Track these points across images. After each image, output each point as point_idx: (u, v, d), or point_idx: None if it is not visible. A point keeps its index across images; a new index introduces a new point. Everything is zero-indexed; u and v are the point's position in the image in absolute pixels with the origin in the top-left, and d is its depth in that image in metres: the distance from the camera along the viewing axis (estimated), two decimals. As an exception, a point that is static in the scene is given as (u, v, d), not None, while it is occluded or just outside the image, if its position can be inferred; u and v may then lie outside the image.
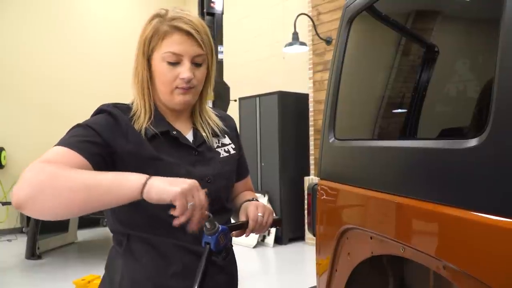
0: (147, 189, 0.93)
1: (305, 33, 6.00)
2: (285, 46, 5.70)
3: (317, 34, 5.84)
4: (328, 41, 5.81)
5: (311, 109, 6.14)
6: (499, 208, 0.91)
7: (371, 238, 1.41)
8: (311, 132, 6.13)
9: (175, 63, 1.12)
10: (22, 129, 7.04)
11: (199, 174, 1.17)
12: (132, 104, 1.20)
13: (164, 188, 0.93)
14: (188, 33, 1.12)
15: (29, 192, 0.89)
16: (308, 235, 5.79)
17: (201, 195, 0.97)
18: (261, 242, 5.88)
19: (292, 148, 6.14)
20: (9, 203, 6.09)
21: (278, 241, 5.87)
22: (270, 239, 5.82)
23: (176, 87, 1.14)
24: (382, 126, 1.54)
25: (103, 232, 6.75)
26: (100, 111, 1.15)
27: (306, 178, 5.86)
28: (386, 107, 1.54)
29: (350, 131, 1.71)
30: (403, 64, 1.55)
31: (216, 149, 1.27)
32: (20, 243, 5.88)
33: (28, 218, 5.82)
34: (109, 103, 1.18)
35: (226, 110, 4.63)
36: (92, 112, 1.17)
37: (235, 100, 6.20)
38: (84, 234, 6.51)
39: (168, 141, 1.17)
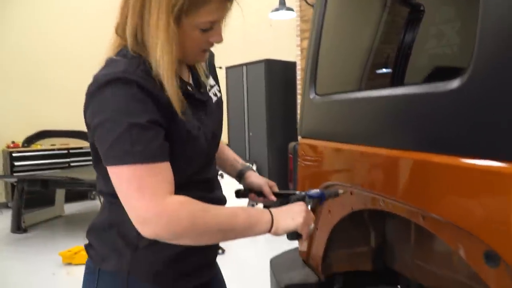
0: (274, 230, 1.02)
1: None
2: (272, 11, 5.55)
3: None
4: (315, 6, 5.66)
5: (298, 77, 6.05)
6: (484, 151, 0.86)
7: (351, 193, 1.35)
8: (299, 101, 6.05)
9: (208, 29, 1.01)
10: (5, 103, 6.82)
11: (210, 133, 1.10)
12: (145, 64, 0.96)
13: (289, 225, 1.04)
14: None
15: (168, 236, 0.91)
16: (296, 203, 5.78)
17: (312, 215, 1.10)
18: (250, 212, 5.86)
19: (280, 116, 6.07)
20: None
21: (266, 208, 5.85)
22: (259, 206, 5.80)
23: (203, 49, 1.05)
24: (363, 77, 1.47)
25: (91, 205, 6.70)
26: (126, 80, 0.91)
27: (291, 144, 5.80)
28: (367, 57, 1.46)
29: (331, 85, 1.64)
30: (384, 12, 1.46)
31: (209, 94, 1.17)
32: (5, 218, 5.78)
33: (13, 192, 5.72)
34: (127, 68, 0.93)
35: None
36: (86, 80, 0.96)
37: (220, 67, 6.08)
38: (71, 208, 6.44)
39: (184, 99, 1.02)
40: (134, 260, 1.03)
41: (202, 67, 1.17)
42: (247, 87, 6.21)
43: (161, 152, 0.91)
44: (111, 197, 0.98)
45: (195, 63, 1.12)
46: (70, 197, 6.47)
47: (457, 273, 1.28)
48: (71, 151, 7.05)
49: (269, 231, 1.01)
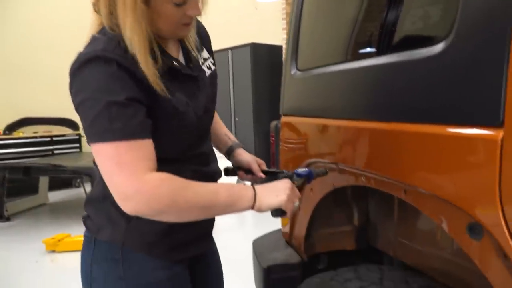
0: (257, 206, 1.00)
1: (277, -19, 5.76)
2: (256, -7, 5.46)
3: (289, -19, 5.60)
4: (300, -12, 5.58)
5: (285, 61, 5.98)
6: (467, 118, 0.82)
7: (333, 170, 1.31)
8: (285, 85, 5.98)
9: (182, 3, 0.95)
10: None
11: (202, 107, 1.07)
12: (119, 42, 0.93)
13: (273, 201, 1.02)
14: None
15: (149, 213, 0.91)
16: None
17: (297, 192, 1.07)
18: (237, 197, 5.82)
19: (266, 101, 6.00)
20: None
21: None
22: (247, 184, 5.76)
23: (182, 24, 0.99)
24: (344, 49, 1.41)
25: (76, 193, 6.60)
26: (105, 59, 0.90)
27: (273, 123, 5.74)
28: (348, 29, 1.41)
29: (312, 60, 1.58)
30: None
31: (202, 67, 1.13)
32: (-12, 207, 5.69)
33: (-5, 181, 5.60)
34: (106, 47, 0.91)
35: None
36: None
37: (205, 52, 5.98)
38: (56, 196, 6.33)
39: (169, 75, 0.99)
40: (128, 231, 1.05)
41: (191, 41, 1.12)
42: (233, 72, 6.14)
43: (141, 129, 0.90)
44: None
45: (179, 37, 1.07)
46: (55, 185, 6.36)
47: (440, 250, 1.26)
48: (54, 138, 6.91)
49: (252, 207, 1.00)
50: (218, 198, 0.96)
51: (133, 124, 0.89)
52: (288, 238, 1.69)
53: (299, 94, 1.59)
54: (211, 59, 1.19)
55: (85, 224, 1.13)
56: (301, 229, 1.56)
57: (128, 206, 0.89)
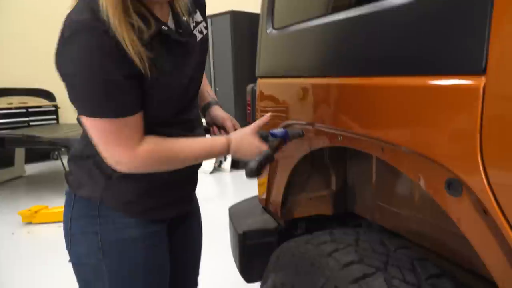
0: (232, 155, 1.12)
1: None
2: (236, -42, 5.27)
3: None
4: (282, -47, 5.40)
5: (266, 29, 5.84)
6: (446, 68, 0.76)
7: (308, 131, 1.26)
8: (267, 54, 5.87)
9: None
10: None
11: (188, 76, 1.06)
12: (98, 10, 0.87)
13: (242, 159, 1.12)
14: None
15: (141, 172, 1.01)
16: (265, 158, 5.72)
17: (263, 147, 1.11)
18: (218, 168, 5.79)
19: (247, 70, 5.89)
20: None
21: (234, 165, 5.78)
22: (227, 164, 5.73)
23: None
24: (319, 2, 1.34)
25: (54, 165, 6.47)
26: (97, 31, 0.85)
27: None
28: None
29: (288, 17, 1.50)
30: None
31: (193, 32, 1.09)
32: (-38, 181, 5.55)
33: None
34: (95, 15, 0.86)
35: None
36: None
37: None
38: (33, 168, 6.21)
39: (155, 40, 0.95)
40: (106, 189, 1.07)
41: (182, 4, 1.06)
42: (212, 41, 5.99)
43: (133, 106, 0.94)
44: None
45: (167, 0, 1.00)
46: (32, 158, 6.23)
47: (418, 212, 1.23)
48: (30, 109, 6.71)
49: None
50: (199, 160, 1.09)
51: (126, 103, 0.92)
52: (265, 204, 1.65)
53: (276, 55, 1.52)
54: (204, 23, 1.14)
55: (67, 180, 1.14)
56: (277, 194, 1.52)
57: (122, 169, 0.98)
